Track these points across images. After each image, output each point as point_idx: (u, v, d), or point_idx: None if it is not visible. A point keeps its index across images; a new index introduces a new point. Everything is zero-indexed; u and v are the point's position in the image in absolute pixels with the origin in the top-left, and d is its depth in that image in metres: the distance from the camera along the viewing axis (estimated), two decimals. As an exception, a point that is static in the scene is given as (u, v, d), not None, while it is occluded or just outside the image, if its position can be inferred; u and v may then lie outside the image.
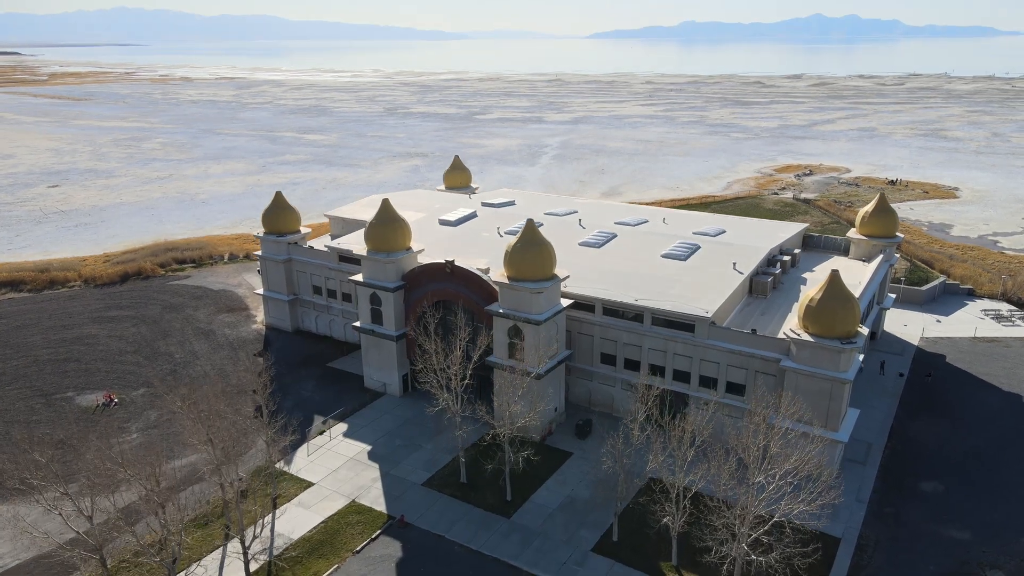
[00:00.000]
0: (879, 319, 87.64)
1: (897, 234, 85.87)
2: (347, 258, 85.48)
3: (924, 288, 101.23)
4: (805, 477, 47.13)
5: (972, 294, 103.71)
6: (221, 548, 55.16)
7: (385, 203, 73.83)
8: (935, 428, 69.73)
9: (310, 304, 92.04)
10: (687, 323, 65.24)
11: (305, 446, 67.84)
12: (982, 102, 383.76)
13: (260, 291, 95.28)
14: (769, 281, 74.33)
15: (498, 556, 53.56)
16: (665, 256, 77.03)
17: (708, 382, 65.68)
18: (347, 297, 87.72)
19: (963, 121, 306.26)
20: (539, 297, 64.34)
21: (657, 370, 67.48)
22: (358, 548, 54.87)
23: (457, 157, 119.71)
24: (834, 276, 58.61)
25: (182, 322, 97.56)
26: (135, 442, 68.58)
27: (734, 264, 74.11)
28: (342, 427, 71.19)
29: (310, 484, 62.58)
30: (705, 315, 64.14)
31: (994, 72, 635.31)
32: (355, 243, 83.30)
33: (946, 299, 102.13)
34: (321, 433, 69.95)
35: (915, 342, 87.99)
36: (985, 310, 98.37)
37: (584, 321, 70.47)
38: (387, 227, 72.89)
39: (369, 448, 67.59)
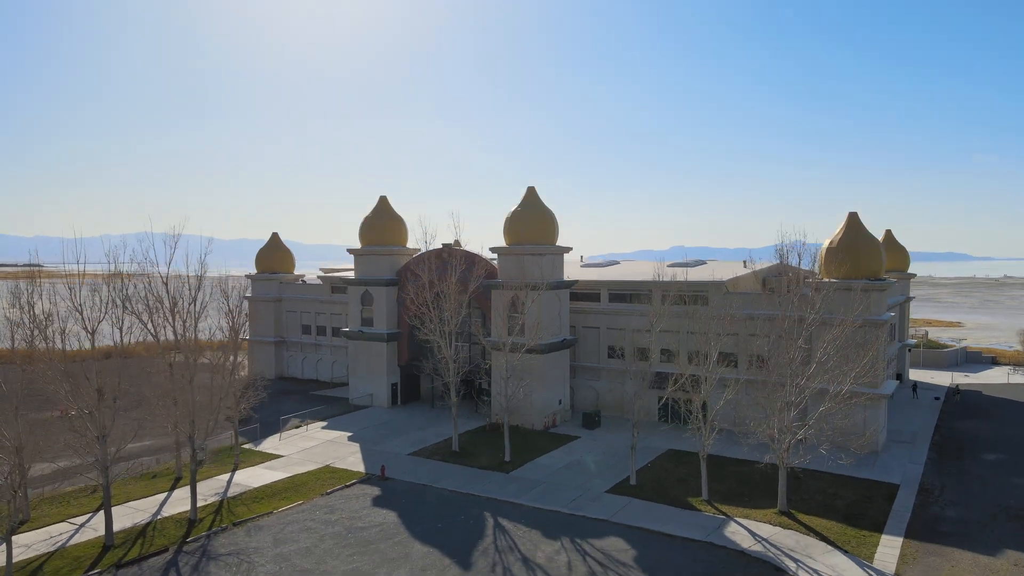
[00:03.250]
0: (902, 358, 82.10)
1: (909, 271, 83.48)
2: (340, 289, 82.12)
3: (946, 351, 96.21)
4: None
5: (995, 362, 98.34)
6: (166, 493, 46.84)
7: (382, 200, 72.40)
8: (982, 425, 62.37)
9: (297, 346, 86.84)
10: (700, 294, 60.86)
11: (277, 435, 60.08)
12: (968, 287, 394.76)
13: (246, 336, 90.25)
14: (784, 279, 70.58)
15: (495, 496, 44.90)
16: (672, 266, 74.02)
17: (728, 359, 59.63)
18: (337, 332, 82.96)
19: (953, 294, 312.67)
20: (541, 261, 60.67)
21: (670, 355, 61.69)
22: (328, 491, 46.27)
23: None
24: (853, 217, 55.77)
25: (160, 375, 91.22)
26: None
27: (744, 262, 71.04)
28: (321, 423, 63.59)
29: (279, 456, 54.45)
30: (720, 281, 60.06)
31: (975, 274, 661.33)
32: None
33: (969, 366, 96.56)
34: (297, 428, 62.31)
35: (946, 384, 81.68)
36: (1015, 367, 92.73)
37: (589, 312, 65.88)
38: (383, 221, 70.80)
39: (349, 434, 59.77)
